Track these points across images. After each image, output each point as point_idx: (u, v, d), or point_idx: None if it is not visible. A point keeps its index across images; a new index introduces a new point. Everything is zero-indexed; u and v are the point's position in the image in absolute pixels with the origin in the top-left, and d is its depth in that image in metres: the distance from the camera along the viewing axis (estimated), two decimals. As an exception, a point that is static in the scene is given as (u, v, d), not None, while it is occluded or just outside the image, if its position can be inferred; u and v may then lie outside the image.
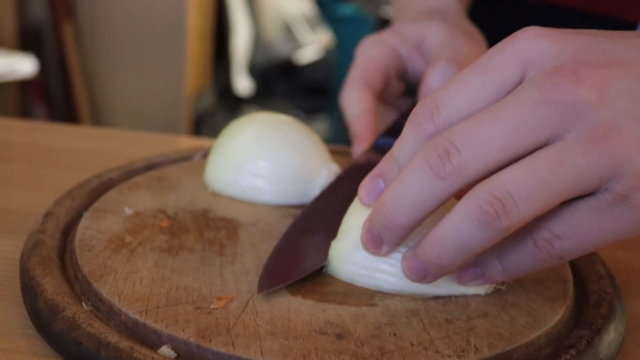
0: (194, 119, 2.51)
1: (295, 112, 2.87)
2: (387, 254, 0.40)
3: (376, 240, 0.39)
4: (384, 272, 0.41)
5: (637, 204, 0.33)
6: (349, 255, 0.42)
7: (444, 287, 0.41)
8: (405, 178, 0.36)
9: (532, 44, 0.35)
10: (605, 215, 0.34)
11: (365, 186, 0.40)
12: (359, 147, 0.53)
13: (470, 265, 0.39)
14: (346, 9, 2.29)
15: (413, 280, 0.39)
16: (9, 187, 0.57)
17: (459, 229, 0.34)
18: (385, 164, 0.39)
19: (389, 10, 2.02)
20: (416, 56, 0.59)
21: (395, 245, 0.39)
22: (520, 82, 0.35)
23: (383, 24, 2.04)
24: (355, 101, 0.55)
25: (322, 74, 2.94)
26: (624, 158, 0.32)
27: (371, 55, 0.58)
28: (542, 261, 0.36)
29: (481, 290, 0.41)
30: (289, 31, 3.05)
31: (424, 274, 0.38)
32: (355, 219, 0.42)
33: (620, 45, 0.35)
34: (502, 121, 0.33)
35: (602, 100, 0.33)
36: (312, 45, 3.08)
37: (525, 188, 0.33)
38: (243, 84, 2.95)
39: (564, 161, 0.32)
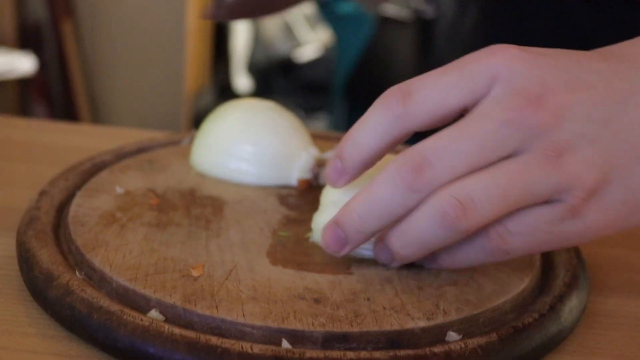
0: (194, 117, 2.53)
1: (295, 110, 2.89)
2: (345, 254, 0.42)
3: (341, 241, 0.41)
4: None
5: (584, 213, 0.37)
6: None
7: None
8: (378, 189, 0.38)
9: (505, 62, 0.37)
10: (555, 221, 0.37)
11: (328, 168, 0.42)
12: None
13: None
14: (346, 7, 2.30)
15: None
16: (8, 185, 0.58)
17: (422, 227, 0.38)
18: (344, 145, 0.41)
19: (388, 8, 2.03)
20: None
21: (357, 246, 0.41)
22: (487, 93, 0.38)
23: (383, 22, 2.05)
24: None
25: (321, 72, 2.95)
26: (575, 174, 0.36)
27: None
28: (490, 253, 0.39)
29: None
30: (288, 29, 3.07)
31: (390, 260, 0.42)
32: (334, 194, 0.45)
33: (585, 71, 0.38)
34: (470, 138, 0.37)
35: (560, 124, 0.36)
36: (312, 44, 3.09)
37: (485, 193, 0.36)
38: (243, 82, 2.97)
39: (522, 173, 0.36)
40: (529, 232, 0.38)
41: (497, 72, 0.37)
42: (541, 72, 0.37)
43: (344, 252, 0.41)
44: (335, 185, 0.42)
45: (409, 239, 0.39)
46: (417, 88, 0.38)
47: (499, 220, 0.38)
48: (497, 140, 0.37)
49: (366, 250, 0.43)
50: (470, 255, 0.40)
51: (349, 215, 0.40)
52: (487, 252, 0.39)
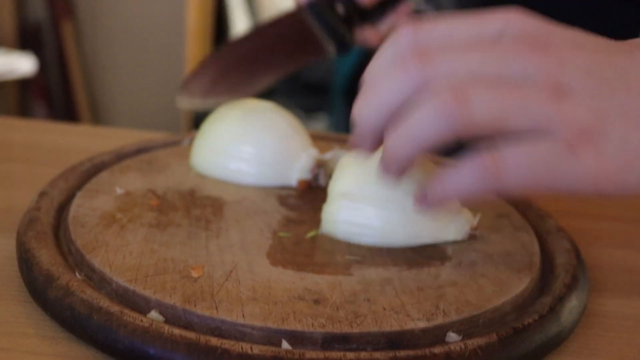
0: (194, 118, 2.53)
1: (295, 110, 2.88)
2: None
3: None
4: (368, 228, 0.46)
5: (580, 154, 0.37)
6: (339, 216, 0.46)
7: (425, 235, 0.46)
8: (381, 75, 0.39)
9: (518, 16, 0.40)
10: (551, 156, 0.37)
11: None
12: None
13: None
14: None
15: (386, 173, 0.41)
16: (8, 186, 0.58)
17: (417, 118, 0.37)
18: (356, 110, 0.41)
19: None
20: None
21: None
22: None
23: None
24: None
25: (321, 73, 2.95)
26: (571, 113, 0.37)
27: None
28: (482, 180, 0.37)
29: (459, 235, 0.46)
30: (288, 31, 3.06)
31: (387, 167, 0.40)
32: (341, 185, 0.46)
33: (589, 39, 0.40)
34: (479, 46, 0.39)
35: (562, 70, 0.38)
36: (311, 45, 3.09)
37: (482, 92, 0.37)
38: (242, 83, 2.97)
39: (521, 91, 0.37)
40: (525, 164, 0.37)
41: (509, 21, 0.39)
42: (549, 29, 0.40)
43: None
44: (360, 149, 0.41)
45: (404, 133, 0.38)
46: (430, 32, 0.39)
47: (494, 144, 0.37)
48: (503, 57, 0.38)
49: (373, 238, 0.45)
50: (462, 181, 0.38)
51: (358, 110, 0.40)
52: (480, 178, 0.38)
